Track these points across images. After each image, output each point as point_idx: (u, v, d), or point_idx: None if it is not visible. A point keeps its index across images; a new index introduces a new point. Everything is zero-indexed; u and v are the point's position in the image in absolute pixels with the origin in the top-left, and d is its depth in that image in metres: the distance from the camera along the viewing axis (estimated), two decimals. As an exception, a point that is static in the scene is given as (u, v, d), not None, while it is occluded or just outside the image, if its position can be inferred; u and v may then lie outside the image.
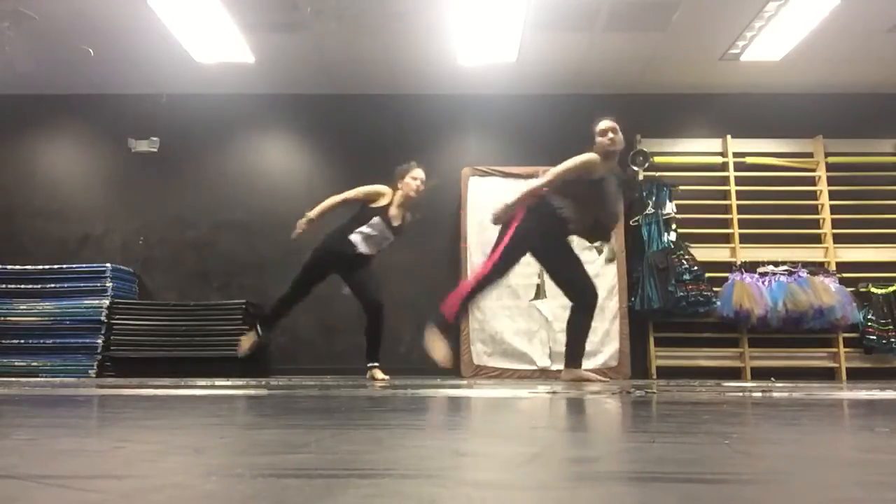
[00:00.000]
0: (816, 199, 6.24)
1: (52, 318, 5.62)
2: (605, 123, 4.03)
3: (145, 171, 6.47)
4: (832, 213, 6.16)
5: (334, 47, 5.64)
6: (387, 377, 4.53)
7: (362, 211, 4.62)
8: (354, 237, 4.56)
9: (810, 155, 6.31)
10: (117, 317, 5.60)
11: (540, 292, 5.98)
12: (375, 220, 4.56)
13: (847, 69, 6.03)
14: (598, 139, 4.03)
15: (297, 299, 4.74)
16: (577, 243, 6.05)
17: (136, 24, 5.23)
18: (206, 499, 0.70)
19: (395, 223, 4.64)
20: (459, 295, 4.02)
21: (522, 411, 2.10)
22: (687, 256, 5.84)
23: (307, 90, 6.45)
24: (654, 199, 6.05)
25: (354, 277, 4.67)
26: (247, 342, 4.81)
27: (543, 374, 5.71)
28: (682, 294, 5.66)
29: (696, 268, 5.78)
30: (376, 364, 4.60)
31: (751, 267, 5.93)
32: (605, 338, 5.82)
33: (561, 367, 5.81)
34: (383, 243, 4.67)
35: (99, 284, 5.71)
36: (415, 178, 4.72)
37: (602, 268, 6.03)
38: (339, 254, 4.57)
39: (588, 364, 5.79)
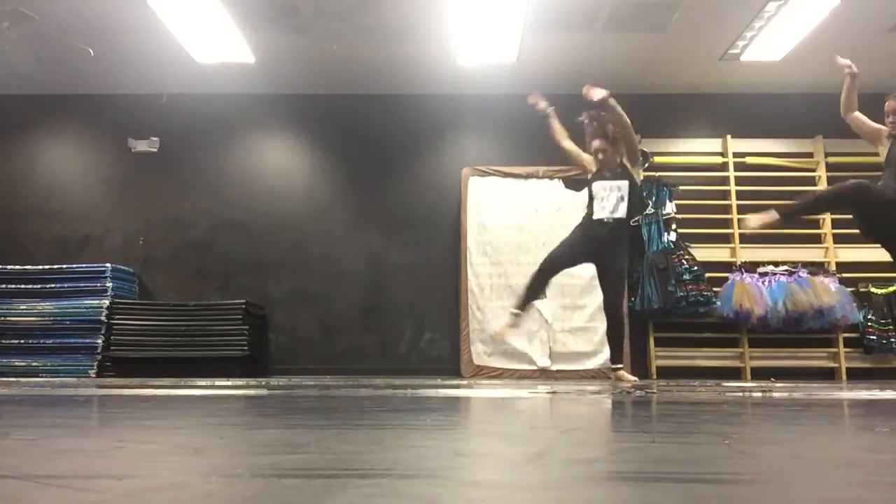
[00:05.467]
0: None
1: (52, 318, 5.62)
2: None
3: (145, 171, 6.47)
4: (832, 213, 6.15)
5: (334, 47, 5.63)
6: (634, 378, 4.63)
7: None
8: (597, 213, 4.43)
9: (810, 155, 6.31)
10: (117, 317, 5.60)
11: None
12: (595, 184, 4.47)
13: (847, 69, 6.02)
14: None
15: (548, 279, 4.55)
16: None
17: (136, 24, 5.23)
18: (206, 499, 0.70)
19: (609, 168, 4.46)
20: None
21: (522, 411, 2.10)
22: (687, 256, 5.84)
23: (307, 90, 6.45)
24: (654, 199, 6.04)
25: (605, 272, 4.55)
26: (505, 330, 4.66)
27: (543, 374, 5.71)
28: (682, 294, 5.66)
29: (696, 268, 5.78)
30: (620, 366, 4.62)
31: (751, 267, 5.92)
32: (606, 338, 5.81)
33: (561, 367, 5.83)
34: (615, 195, 4.43)
35: (99, 284, 5.71)
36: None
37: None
38: (593, 237, 4.43)
39: (588, 364, 5.81)
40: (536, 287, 4.52)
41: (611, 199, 4.38)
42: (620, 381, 4.53)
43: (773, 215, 4.06)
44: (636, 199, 4.54)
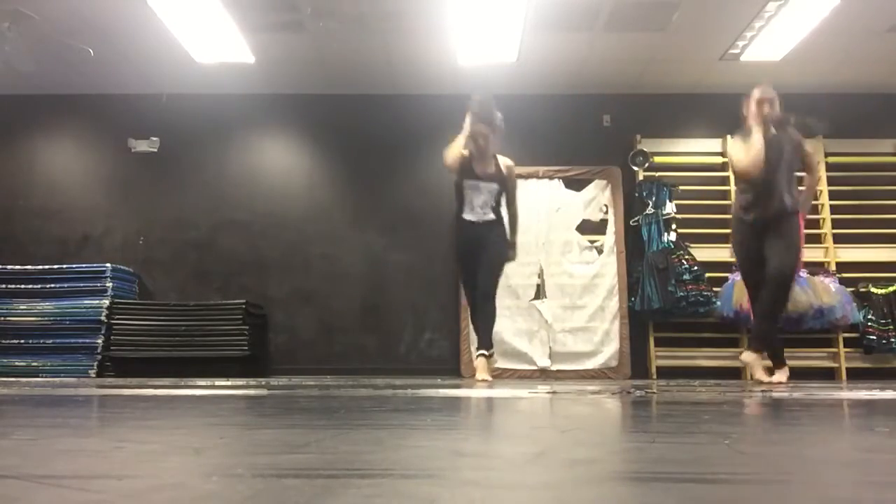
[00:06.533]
0: (816, 199, 6.23)
1: (52, 318, 5.62)
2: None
3: (145, 171, 6.47)
4: (832, 213, 6.15)
5: (334, 47, 5.63)
6: (488, 376, 4.11)
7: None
8: (465, 213, 4.28)
9: (810, 155, 6.30)
10: (117, 317, 5.60)
11: (540, 292, 5.98)
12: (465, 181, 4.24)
13: (847, 69, 6.02)
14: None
15: (470, 296, 4.43)
16: (578, 241, 6.10)
17: (136, 24, 5.23)
18: (206, 499, 0.70)
19: (483, 171, 4.24)
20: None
21: (522, 411, 2.10)
22: (687, 256, 5.84)
23: (307, 90, 6.45)
24: (654, 199, 6.05)
25: (483, 261, 4.24)
26: (483, 370, 4.14)
27: (543, 374, 5.72)
28: (682, 294, 5.66)
29: (696, 268, 5.78)
30: (485, 352, 4.15)
31: (751, 267, 5.91)
32: (606, 338, 5.82)
33: (561, 367, 5.84)
34: (481, 198, 4.24)
35: (99, 284, 5.71)
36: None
37: (602, 267, 6.05)
38: (465, 240, 4.27)
39: (588, 364, 5.81)
40: (484, 316, 4.24)
41: (479, 200, 4.23)
42: (476, 370, 4.18)
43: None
44: (504, 200, 4.30)
